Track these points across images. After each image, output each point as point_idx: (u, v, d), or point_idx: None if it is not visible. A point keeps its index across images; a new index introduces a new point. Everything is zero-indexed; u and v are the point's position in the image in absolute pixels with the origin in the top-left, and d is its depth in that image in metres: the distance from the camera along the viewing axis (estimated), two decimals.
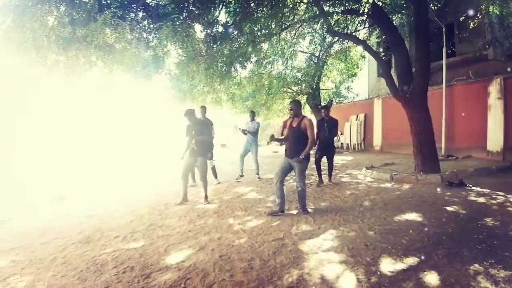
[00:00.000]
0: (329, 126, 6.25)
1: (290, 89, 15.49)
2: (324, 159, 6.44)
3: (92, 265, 2.81)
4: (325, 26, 9.61)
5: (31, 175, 8.71)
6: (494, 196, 5.03)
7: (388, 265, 2.61)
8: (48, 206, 5.22)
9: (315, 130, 4.77)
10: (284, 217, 4.14)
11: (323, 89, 17.01)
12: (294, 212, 4.38)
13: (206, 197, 5.16)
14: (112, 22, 5.25)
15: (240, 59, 8.59)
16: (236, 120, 7.54)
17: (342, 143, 16.22)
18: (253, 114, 7.54)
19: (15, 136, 15.98)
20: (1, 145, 14.13)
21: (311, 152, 4.36)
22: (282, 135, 4.65)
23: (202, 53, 7.43)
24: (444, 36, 10.45)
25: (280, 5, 7.55)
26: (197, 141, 5.11)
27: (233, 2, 7.55)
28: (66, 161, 12.31)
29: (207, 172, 5.23)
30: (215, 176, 6.88)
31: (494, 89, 9.28)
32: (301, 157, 4.07)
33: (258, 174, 7.31)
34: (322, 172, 6.48)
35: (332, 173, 6.64)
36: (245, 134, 7.24)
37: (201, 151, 5.13)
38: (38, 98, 16.16)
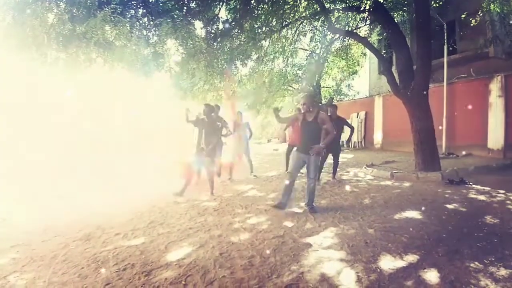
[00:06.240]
0: (337, 125, 6.17)
1: (291, 86, 15.46)
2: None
3: (93, 262, 2.81)
4: (326, 23, 9.57)
5: (32, 172, 8.72)
6: (494, 194, 5.03)
7: (388, 263, 2.61)
8: (49, 203, 5.23)
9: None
10: (285, 215, 4.14)
11: (323, 87, 16.98)
12: (295, 209, 4.39)
13: (212, 193, 5.39)
14: (112, 18, 5.23)
15: (241, 56, 8.56)
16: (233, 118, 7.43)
17: (342, 141, 16.19)
18: (240, 115, 7.32)
19: (15, 133, 15.96)
20: (2, 141, 14.13)
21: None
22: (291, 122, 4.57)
23: (202, 51, 7.41)
24: (445, 34, 10.42)
25: (281, 2, 7.53)
26: (207, 142, 5.13)
27: None
28: (67, 158, 12.31)
29: (214, 172, 5.32)
30: (219, 175, 6.85)
31: (495, 87, 9.26)
32: (321, 145, 4.09)
33: (252, 172, 7.28)
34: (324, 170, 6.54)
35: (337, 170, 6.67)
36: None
37: (209, 152, 5.20)
38: (38, 95, 16.12)
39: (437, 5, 9.42)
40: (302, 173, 7.18)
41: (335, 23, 9.55)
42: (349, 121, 15.55)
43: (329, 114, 6.39)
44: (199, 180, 6.44)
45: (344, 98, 17.77)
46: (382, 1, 8.26)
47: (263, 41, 8.94)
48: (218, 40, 7.53)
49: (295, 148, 4.54)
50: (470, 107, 10.00)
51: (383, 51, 12.78)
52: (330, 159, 6.64)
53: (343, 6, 8.48)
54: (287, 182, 4.26)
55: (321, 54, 14.20)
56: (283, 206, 4.29)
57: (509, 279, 2.29)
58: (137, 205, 4.88)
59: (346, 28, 10.12)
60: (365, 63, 16.60)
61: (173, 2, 6.53)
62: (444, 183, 5.92)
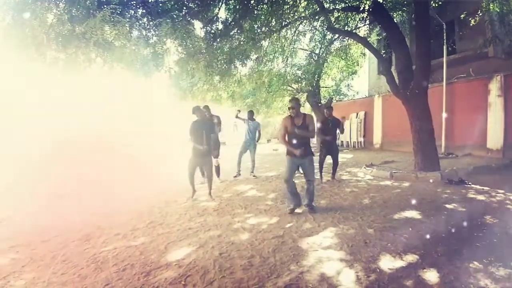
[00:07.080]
0: (333, 126, 6.34)
1: (290, 87, 15.43)
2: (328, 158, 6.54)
3: (93, 263, 2.82)
4: (325, 23, 9.58)
5: (32, 172, 8.71)
6: (493, 193, 5.03)
7: (388, 263, 2.62)
8: (49, 204, 5.22)
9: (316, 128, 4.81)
10: (284, 215, 4.15)
11: (323, 87, 16.96)
12: (295, 210, 4.39)
13: (210, 193, 5.30)
14: (111, 19, 5.23)
15: (240, 56, 8.56)
16: (235, 118, 7.46)
17: (342, 141, 16.22)
18: (251, 114, 7.43)
19: (15, 132, 15.93)
20: (2, 141, 14.11)
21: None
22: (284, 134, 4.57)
23: (202, 51, 7.41)
24: (444, 34, 10.42)
25: (280, 2, 7.52)
26: (208, 141, 5.12)
27: None
28: (68, 158, 12.29)
29: (212, 170, 5.31)
30: (218, 175, 6.84)
31: (494, 86, 9.27)
32: (299, 132, 4.07)
33: (253, 172, 7.30)
34: (324, 170, 6.58)
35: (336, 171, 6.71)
36: (238, 117, 7.27)
37: (207, 150, 5.17)
38: (38, 94, 16.10)
39: (437, 5, 9.41)
40: (302, 174, 7.19)
41: (335, 23, 9.53)
42: (348, 121, 15.67)
43: (326, 115, 6.50)
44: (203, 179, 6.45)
45: (343, 98, 17.75)
46: (381, 1, 8.25)
47: (263, 41, 8.93)
48: (218, 40, 7.53)
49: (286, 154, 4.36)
50: (469, 107, 10.00)
51: (383, 51, 12.78)
52: (329, 159, 6.64)
53: (343, 6, 8.47)
54: (288, 190, 4.24)
55: (320, 54, 14.19)
56: (297, 206, 4.31)
57: (508, 279, 2.29)
58: (136, 205, 4.88)
59: (346, 28, 10.10)
60: (364, 63, 16.56)
61: (172, 2, 6.52)
62: (444, 183, 5.92)
